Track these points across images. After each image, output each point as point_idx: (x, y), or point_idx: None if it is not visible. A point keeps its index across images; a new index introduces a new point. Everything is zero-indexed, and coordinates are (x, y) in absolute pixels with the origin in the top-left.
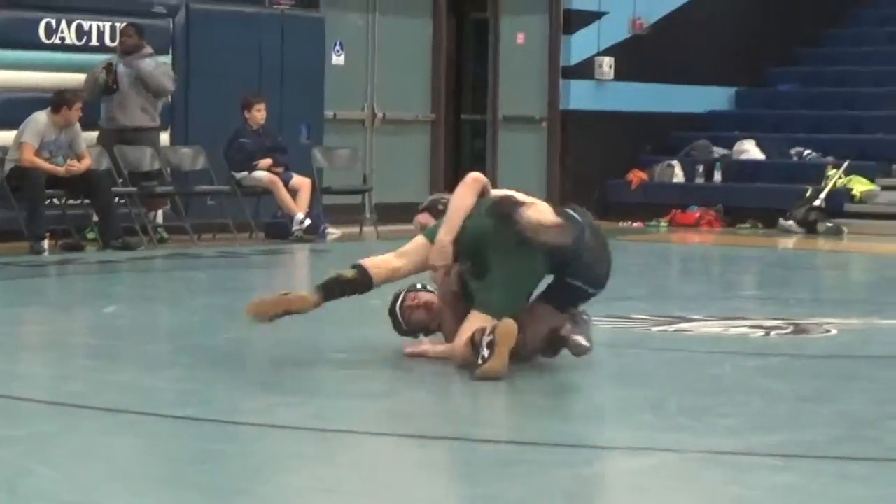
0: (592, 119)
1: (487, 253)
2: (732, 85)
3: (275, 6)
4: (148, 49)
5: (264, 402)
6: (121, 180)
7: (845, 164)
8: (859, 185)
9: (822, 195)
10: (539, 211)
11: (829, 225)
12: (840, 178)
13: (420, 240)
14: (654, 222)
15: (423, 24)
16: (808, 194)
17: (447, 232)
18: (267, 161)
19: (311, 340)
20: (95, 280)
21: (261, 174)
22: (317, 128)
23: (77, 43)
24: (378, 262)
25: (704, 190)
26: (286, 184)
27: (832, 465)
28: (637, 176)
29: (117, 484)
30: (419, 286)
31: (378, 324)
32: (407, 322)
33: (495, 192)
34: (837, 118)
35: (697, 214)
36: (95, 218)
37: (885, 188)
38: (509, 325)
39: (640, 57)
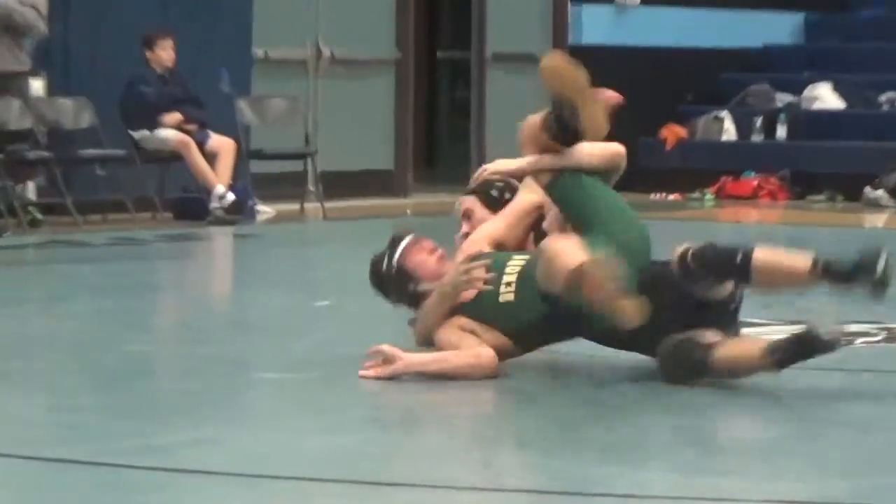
0: (612, 57)
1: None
2: (801, 9)
3: None
4: None
5: (174, 439)
6: None
7: None
8: None
9: None
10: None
11: None
12: None
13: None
14: (696, 194)
15: None
16: None
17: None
18: (175, 116)
19: (236, 356)
20: None
21: (167, 133)
22: (242, 71)
23: None
24: None
25: (764, 150)
26: (201, 146)
27: None
28: (673, 133)
29: None
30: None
31: (323, 332)
32: (409, 276)
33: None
34: None
35: (755, 183)
36: None
37: None
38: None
39: None
